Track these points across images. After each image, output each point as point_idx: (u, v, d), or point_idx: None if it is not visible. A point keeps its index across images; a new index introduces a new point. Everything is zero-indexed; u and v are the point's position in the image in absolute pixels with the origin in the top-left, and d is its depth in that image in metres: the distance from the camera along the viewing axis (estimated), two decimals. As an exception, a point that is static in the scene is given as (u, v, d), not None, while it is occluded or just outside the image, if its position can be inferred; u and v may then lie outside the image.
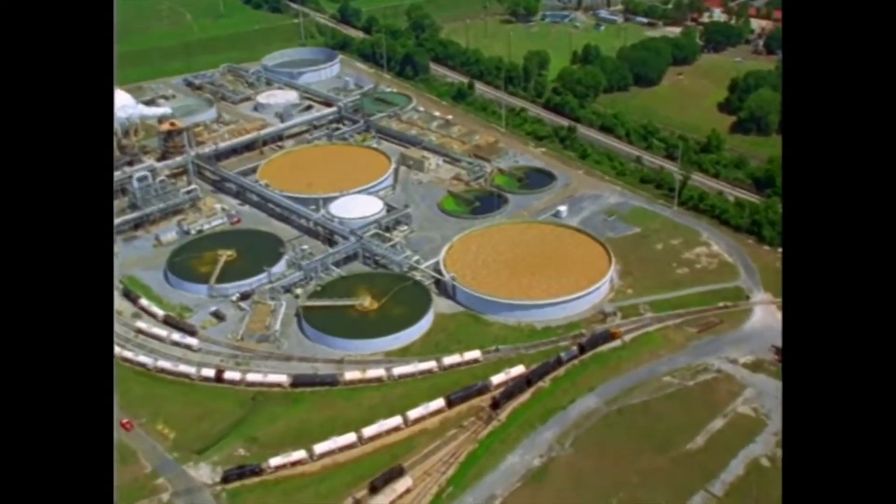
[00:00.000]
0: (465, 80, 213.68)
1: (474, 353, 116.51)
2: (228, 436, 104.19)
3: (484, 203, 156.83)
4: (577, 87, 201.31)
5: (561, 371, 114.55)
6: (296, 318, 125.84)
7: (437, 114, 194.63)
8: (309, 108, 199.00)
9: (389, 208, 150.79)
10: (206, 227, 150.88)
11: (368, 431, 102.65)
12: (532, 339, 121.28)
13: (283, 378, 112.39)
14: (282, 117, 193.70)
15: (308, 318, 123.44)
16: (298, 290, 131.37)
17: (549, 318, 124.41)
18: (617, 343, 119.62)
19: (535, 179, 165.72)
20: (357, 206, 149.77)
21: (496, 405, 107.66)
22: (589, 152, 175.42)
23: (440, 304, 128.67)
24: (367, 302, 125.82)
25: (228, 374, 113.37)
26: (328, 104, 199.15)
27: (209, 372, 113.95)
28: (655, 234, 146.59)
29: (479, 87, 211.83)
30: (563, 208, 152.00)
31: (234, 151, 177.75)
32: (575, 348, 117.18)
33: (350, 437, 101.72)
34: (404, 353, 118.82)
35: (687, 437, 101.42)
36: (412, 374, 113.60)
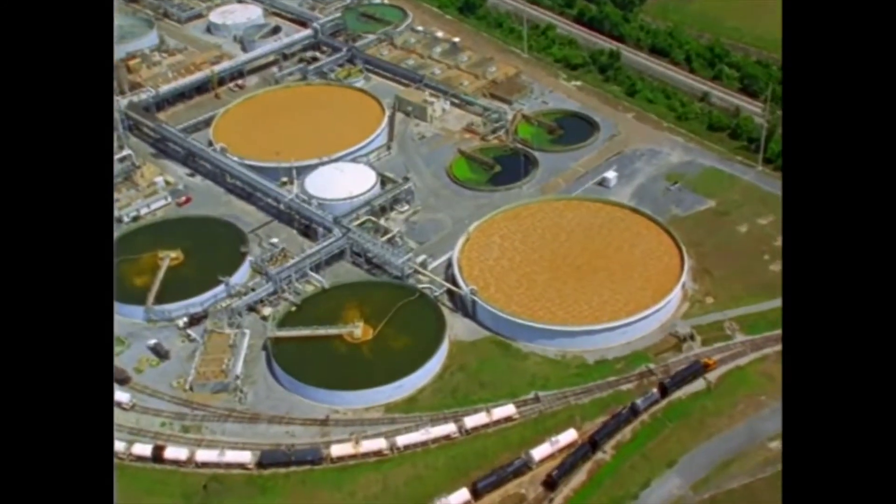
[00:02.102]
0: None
1: (506, 409, 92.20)
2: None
3: (506, 166, 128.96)
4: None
5: (627, 433, 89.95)
6: (263, 352, 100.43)
7: (440, 34, 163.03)
8: (277, 30, 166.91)
9: (384, 181, 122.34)
10: (143, 210, 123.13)
11: (366, 547, 79.24)
12: (583, 378, 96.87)
13: (245, 456, 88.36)
14: (243, 43, 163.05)
15: (280, 357, 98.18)
16: (267, 310, 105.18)
17: (605, 346, 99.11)
18: (699, 385, 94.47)
19: (572, 129, 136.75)
20: (342, 181, 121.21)
21: (552, 484, 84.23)
22: (639, 87, 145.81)
23: (456, 325, 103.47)
24: (358, 330, 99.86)
25: (171, 452, 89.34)
26: (301, 23, 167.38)
27: (144, 449, 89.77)
28: (736, 209, 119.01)
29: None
30: (611, 175, 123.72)
31: (181, 96, 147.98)
32: (654, 391, 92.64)
33: (340, 558, 78.53)
34: (411, 407, 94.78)
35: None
36: (424, 444, 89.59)
